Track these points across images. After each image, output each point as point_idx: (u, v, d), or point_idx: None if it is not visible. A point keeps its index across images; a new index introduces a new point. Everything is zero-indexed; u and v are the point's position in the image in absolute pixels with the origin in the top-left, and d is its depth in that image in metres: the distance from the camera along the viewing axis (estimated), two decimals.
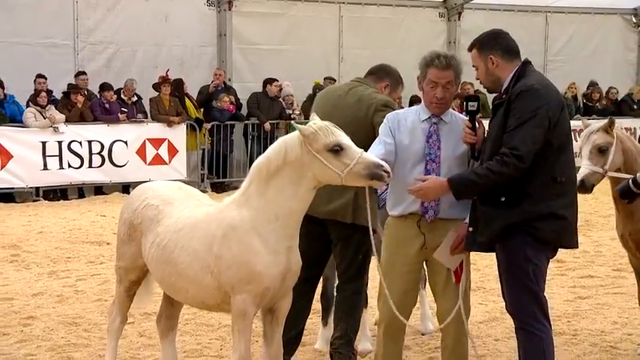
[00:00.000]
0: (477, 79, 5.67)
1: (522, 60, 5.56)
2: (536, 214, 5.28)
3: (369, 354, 7.22)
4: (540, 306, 5.38)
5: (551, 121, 5.27)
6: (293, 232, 5.41)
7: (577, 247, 5.59)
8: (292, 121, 5.55)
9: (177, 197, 5.88)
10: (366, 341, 7.38)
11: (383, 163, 5.22)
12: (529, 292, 5.34)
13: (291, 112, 20.15)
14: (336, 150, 5.17)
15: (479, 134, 5.59)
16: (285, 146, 5.31)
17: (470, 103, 5.58)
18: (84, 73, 18.88)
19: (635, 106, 23.66)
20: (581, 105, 23.43)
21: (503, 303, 5.61)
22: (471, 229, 5.47)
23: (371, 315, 7.82)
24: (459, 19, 23.48)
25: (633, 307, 8.91)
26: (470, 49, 5.65)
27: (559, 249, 5.57)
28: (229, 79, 20.77)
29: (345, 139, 5.23)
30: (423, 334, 7.81)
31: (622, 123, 23.18)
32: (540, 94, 5.28)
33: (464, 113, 5.77)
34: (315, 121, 5.30)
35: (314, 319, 7.74)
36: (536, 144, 5.21)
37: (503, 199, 5.30)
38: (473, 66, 5.64)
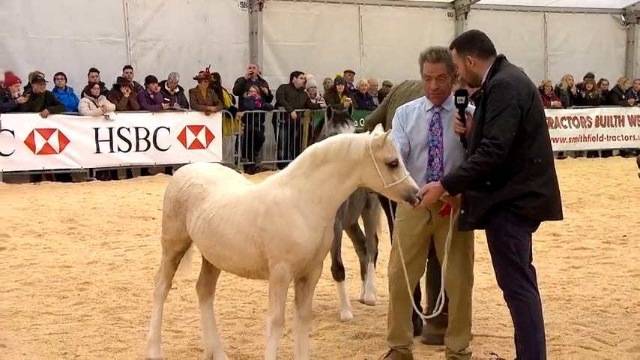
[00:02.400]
0: (458, 74, 5.69)
1: (498, 56, 5.55)
2: (518, 194, 5.30)
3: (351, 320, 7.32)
4: (524, 275, 5.39)
5: (524, 109, 5.28)
6: (331, 215, 5.44)
7: (561, 219, 5.60)
8: (377, 128, 5.47)
9: (218, 177, 5.90)
10: (346, 310, 7.43)
11: (419, 190, 5.26)
12: (512, 264, 5.37)
13: (314, 101, 20.13)
14: (392, 165, 5.19)
15: (467, 125, 5.61)
16: (349, 144, 5.29)
17: (458, 97, 5.61)
18: (129, 67, 18.96)
19: (624, 96, 23.49)
20: (575, 95, 23.28)
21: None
22: (462, 211, 5.49)
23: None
24: (465, 18, 23.32)
25: (621, 276, 8.89)
26: (450, 49, 5.66)
27: (555, 223, 5.57)
28: (260, 73, 20.78)
29: (400, 159, 5.26)
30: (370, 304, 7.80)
31: (612, 111, 23.12)
32: (511, 86, 5.29)
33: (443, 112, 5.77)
34: (378, 131, 5.27)
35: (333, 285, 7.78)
36: (512, 132, 5.23)
37: (488, 183, 5.33)
38: (454, 63, 5.65)
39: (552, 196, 5.41)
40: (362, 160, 5.24)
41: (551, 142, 5.64)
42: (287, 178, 5.46)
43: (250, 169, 19.42)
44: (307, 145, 7.39)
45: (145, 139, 18.16)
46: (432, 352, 6.35)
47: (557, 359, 6.13)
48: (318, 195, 5.32)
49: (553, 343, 6.46)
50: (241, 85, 19.68)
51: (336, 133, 7.11)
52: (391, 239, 6.40)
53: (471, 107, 5.67)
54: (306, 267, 5.46)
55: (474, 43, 5.55)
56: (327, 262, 7.32)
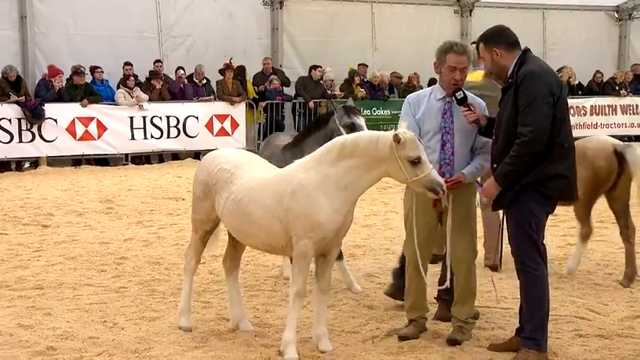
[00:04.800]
0: (485, 67, 5.64)
1: (523, 48, 5.48)
2: (547, 175, 5.26)
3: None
4: (538, 251, 5.36)
5: (554, 98, 5.22)
6: (355, 200, 5.48)
7: (577, 200, 5.58)
8: (402, 127, 5.50)
9: (245, 162, 5.91)
10: (353, 284, 7.41)
11: (443, 183, 5.26)
12: (529, 239, 5.33)
13: (330, 92, 20.11)
14: (415, 162, 5.20)
15: (477, 112, 5.58)
16: (377, 141, 5.30)
17: (457, 94, 5.61)
18: (160, 61, 19.00)
19: (617, 87, 23.31)
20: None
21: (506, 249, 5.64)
22: None
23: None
24: (470, 16, 23.25)
25: (613, 252, 8.85)
26: (477, 44, 5.61)
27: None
28: (280, 66, 20.82)
29: (423, 155, 5.25)
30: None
31: (605, 101, 22.95)
32: (541, 76, 5.23)
33: (454, 101, 5.70)
34: (404, 130, 5.26)
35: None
36: (547, 118, 5.17)
37: None
38: (480, 57, 5.60)
39: (573, 179, 5.40)
40: (387, 157, 5.26)
41: None
42: (313, 163, 5.47)
43: None
44: None
45: (175, 126, 18.19)
46: (438, 321, 6.33)
47: (555, 328, 6.11)
48: (345, 182, 5.34)
49: (551, 314, 6.36)
50: (260, 81, 19.70)
51: (351, 123, 7.19)
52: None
53: (471, 96, 5.68)
54: (327, 245, 5.49)
55: (500, 37, 5.48)
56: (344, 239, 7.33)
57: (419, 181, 5.23)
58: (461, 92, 5.58)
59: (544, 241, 5.48)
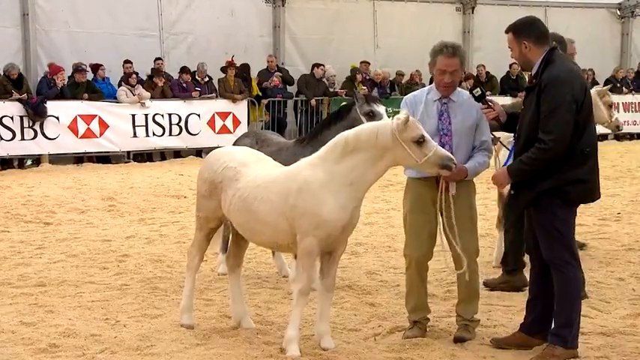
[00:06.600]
0: (512, 57, 5.51)
1: (550, 46, 5.39)
2: (566, 181, 5.23)
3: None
4: (569, 249, 5.35)
5: (578, 104, 5.18)
6: (362, 195, 5.49)
7: (599, 199, 5.53)
8: (401, 112, 5.45)
9: (249, 160, 5.92)
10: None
11: (452, 157, 5.25)
12: (556, 239, 5.31)
13: (332, 90, 20.11)
14: (420, 142, 5.20)
15: (497, 109, 5.58)
16: (377, 131, 5.32)
17: (474, 91, 5.61)
18: (160, 58, 19.01)
19: (618, 84, 23.27)
20: None
21: None
22: (512, 192, 5.47)
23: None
24: (472, 13, 23.25)
25: (615, 250, 8.86)
26: (506, 32, 5.46)
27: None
28: (282, 63, 20.83)
29: (426, 133, 5.25)
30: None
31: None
32: (566, 82, 5.17)
33: (471, 97, 5.70)
34: (402, 114, 5.26)
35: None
36: (569, 126, 5.13)
37: None
38: (509, 47, 5.49)
39: (595, 181, 5.37)
40: (391, 145, 5.26)
41: None
42: (318, 161, 5.49)
43: None
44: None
45: (177, 124, 18.20)
46: (440, 319, 6.34)
47: None
48: (350, 178, 5.35)
49: None
50: (264, 78, 19.70)
51: (370, 110, 7.25)
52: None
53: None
54: (332, 242, 5.50)
55: (531, 29, 5.37)
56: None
57: (429, 160, 5.21)
58: (478, 89, 5.57)
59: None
